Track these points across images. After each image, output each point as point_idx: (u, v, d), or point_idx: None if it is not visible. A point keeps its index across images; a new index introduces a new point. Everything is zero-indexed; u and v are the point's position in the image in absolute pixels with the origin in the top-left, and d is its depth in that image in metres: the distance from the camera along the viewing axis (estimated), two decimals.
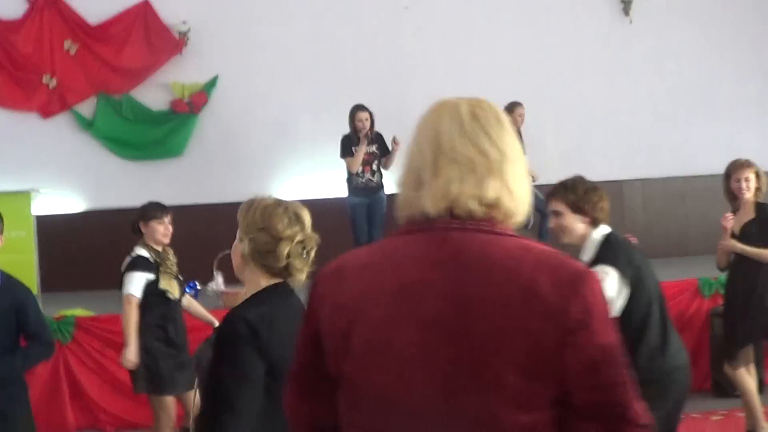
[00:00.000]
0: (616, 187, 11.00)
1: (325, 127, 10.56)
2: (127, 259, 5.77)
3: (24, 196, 8.64)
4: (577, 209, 4.37)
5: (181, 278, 5.94)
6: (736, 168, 6.35)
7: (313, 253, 3.00)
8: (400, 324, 1.78)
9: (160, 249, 5.78)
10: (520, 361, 1.71)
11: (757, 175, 6.30)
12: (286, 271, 2.96)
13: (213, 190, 10.60)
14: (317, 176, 10.71)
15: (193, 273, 9.81)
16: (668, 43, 11.03)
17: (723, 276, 7.83)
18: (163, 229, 5.72)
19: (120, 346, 7.86)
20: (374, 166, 9.43)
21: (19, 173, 10.34)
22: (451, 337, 1.74)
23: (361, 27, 10.95)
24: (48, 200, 9.99)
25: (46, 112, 10.94)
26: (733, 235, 6.41)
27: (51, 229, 9.78)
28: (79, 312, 8.12)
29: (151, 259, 5.70)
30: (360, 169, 9.34)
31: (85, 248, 10.54)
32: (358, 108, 9.41)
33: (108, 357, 7.90)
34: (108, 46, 10.95)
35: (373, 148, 9.42)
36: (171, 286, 5.74)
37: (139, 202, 10.72)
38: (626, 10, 10.92)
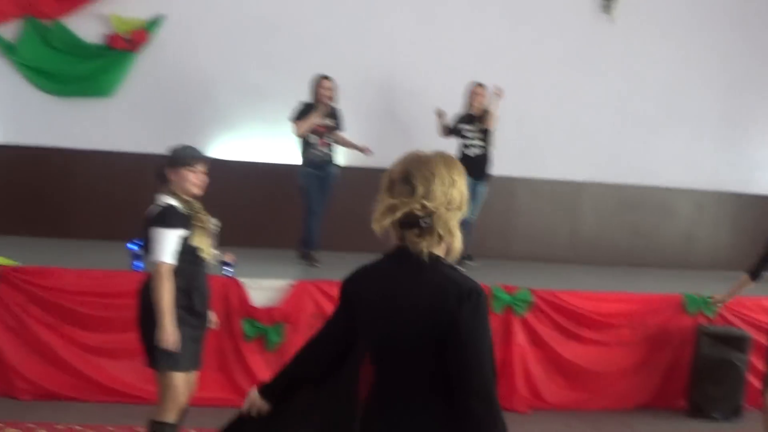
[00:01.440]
0: (570, 187, 10.65)
1: (275, 86, 9.80)
2: (154, 208, 4.84)
3: None
4: None
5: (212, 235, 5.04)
6: None
7: None
8: None
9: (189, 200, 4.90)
10: None
11: None
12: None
13: (141, 138, 9.61)
14: (262, 139, 9.88)
15: (115, 227, 8.90)
16: (643, 48, 10.67)
17: (707, 293, 7.61)
18: (193, 178, 4.84)
19: (47, 303, 7.00)
20: (330, 140, 8.83)
21: None
22: None
23: None
24: None
25: None
26: None
27: None
28: (1, 260, 7.10)
29: (184, 211, 4.81)
30: (317, 141, 8.72)
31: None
32: (324, 77, 8.85)
33: (32, 315, 6.97)
34: None
35: (330, 121, 8.80)
36: (204, 244, 4.87)
37: (58, 142, 9.83)
38: (607, 9, 10.47)
